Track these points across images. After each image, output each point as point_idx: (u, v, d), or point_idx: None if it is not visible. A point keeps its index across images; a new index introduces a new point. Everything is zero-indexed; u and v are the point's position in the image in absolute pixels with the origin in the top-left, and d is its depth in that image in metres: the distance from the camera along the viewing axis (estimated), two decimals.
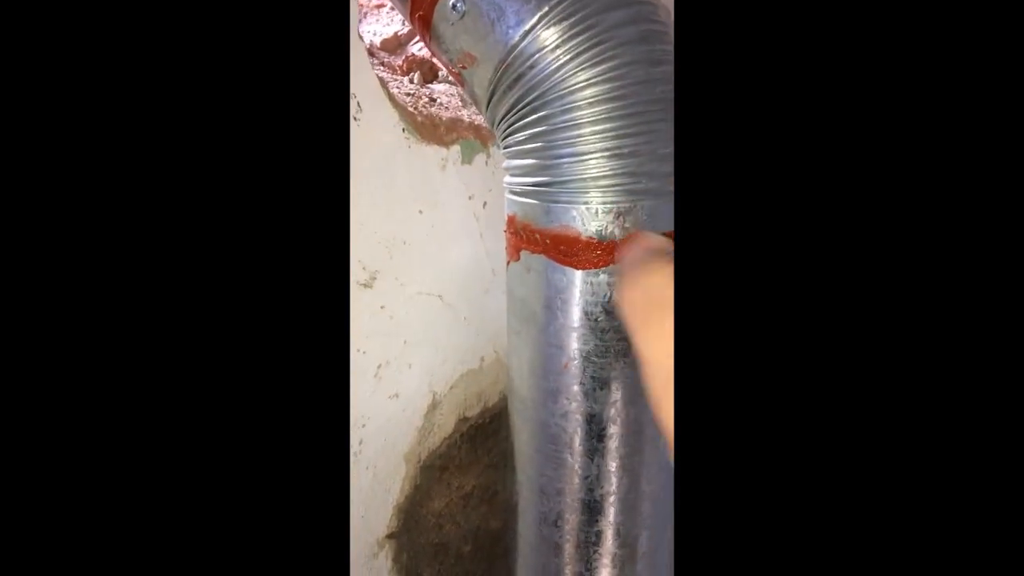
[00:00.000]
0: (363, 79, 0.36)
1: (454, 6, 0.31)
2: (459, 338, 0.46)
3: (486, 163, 0.44)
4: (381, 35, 0.55)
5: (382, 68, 0.50)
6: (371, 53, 0.52)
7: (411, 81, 0.46)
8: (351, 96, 0.35)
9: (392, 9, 0.54)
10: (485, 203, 0.45)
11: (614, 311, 0.32)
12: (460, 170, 0.43)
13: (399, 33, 0.54)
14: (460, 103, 0.46)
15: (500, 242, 0.37)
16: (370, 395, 0.41)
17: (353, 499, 0.42)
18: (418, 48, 0.51)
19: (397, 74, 0.50)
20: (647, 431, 0.35)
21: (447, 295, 0.44)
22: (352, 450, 0.41)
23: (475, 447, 0.50)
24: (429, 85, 0.47)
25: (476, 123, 0.45)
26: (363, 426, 0.41)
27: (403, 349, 0.42)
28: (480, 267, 0.46)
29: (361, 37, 0.39)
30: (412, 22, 0.34)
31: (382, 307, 0.40)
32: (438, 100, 0.44)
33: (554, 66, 0.30)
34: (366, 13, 0.58)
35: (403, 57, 0.50)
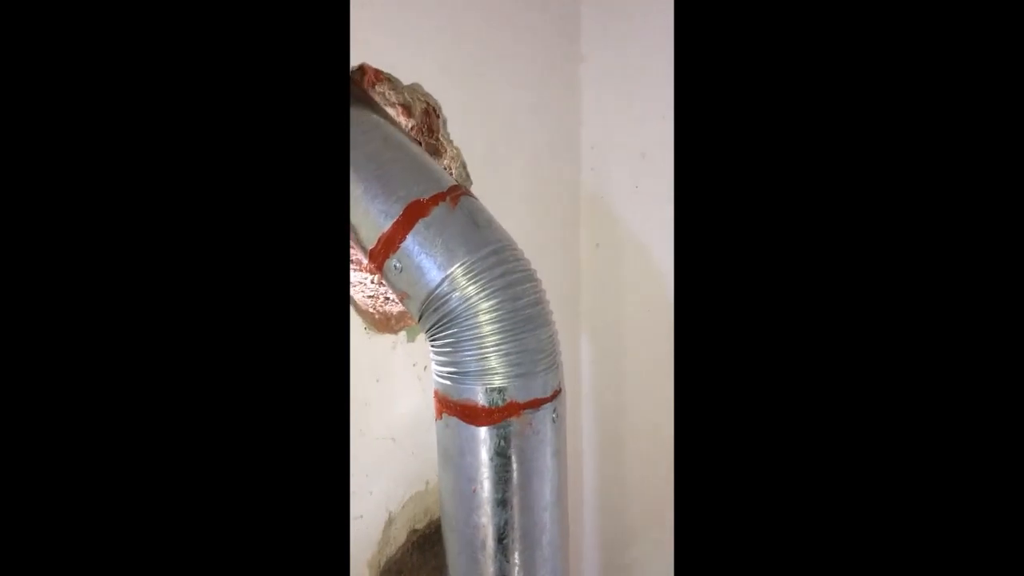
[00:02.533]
0: None
1: (394, 266, 0.50)
2: (408, 468, 0.62)
3: (425, 340, 0.63)
4: None
5: (352, 264, 0.69)
6: None
7: (372, 281, 0.65)
8: None
9: None
10: (425, 367, 0.63)
11: (503, 453, 0.49)
12: (406, 347, 0.61)
13: None
14: None
15: None
16: None
17: None
18: None
19: (363, 270, 0.69)
20: (534, 534, 0.51)
21: (398, 437, 0.61)
22: None
23: (424, 553, 0.64)
24: (383, 283, 0.66)
25: None
26: None
27: (364, 481, 0.57)
28: (422, 413, 0.63)
29: None
30: (370, 267, 0.53)
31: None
32: (391, 298, 0.63)
33: (460, 301, 0.48)
34: None
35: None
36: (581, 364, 0.83)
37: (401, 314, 0.61)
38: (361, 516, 0.57)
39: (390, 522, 0.61)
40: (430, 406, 0.64)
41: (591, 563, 0.86)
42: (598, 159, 0.80)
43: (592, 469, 0.85)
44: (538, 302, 0.51)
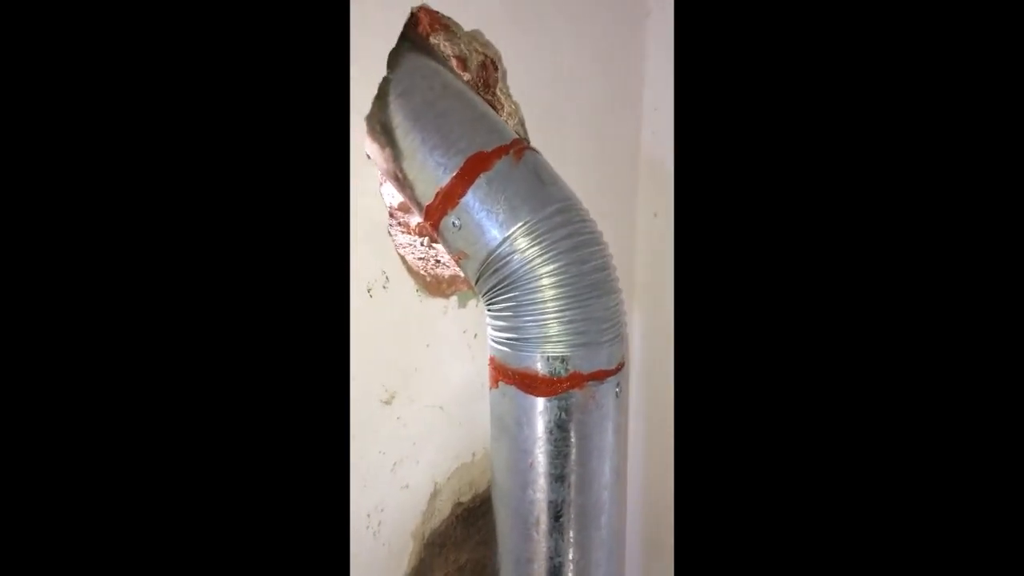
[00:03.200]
0: (391, 257, 0.52)
1: (452, 223, 0.47)
2: (456, 438, 0.60)
3: (476, 306, 0.59)
4: (397, 199, 0.72)
5: (399, 227, 0.66)
6: (391, 214, 0.68)
7: (422, 244, 0.62)
8: (382, 272, 0.50)
9: None
10: (476, 335, 0.60)
11: (563, 426, 0.46)
12: (457, 313, 0.58)
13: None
14: None
15: (487, 362, 0.50)
16: (387, 486, 0.53)
17: (371, 570, 0.53)
18: None
19: (411, 232, 0.66)
20: (591, 514, 0.48)
21: (447, 406, 0.58)
22: (371, 529, 0.53)
23: (468, 527, 0.62)
24: (434, 245, 0.63)
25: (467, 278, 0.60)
26: (381, 511, 0.53)
27: (412, 449, 0.55)
28: (472, 383, 0.60)
29: (383, 199, 0.55)
30: (425, 224, 0.50)
31: (398, 418, 0.54)
32: (442, 261, 0.60)
33: (521, 263, 0.45)
34: (383, 181, 0.75)
35: (415, 222, 0.66)
36: (633, 339, 0.80)
37: (452, 278, 0.58)
38: (407, 485, 0.55)
39: (435, 493, 0.59)
40: (480, 375, 0.61)
41: (632, 539, 0.84)
42: (661, 123, 0.75)
43: (638, 446, 0.82)
44: (605, 267, 0.47)
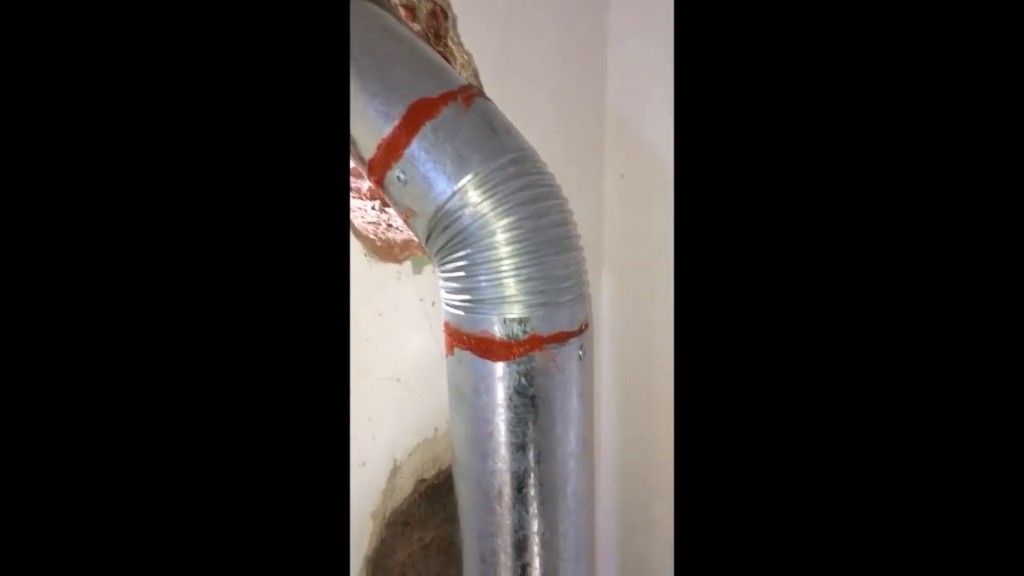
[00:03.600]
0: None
1: (397, 178, 0.43)
2: (416, 413, 0.56)
3: (433, 272, 0.56)
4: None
5: (352, 192, 0.62)
6: None
7: (373, 208, 0.58)
8: None
9: None
10: (433, 303, 0.56)
11: (523, 392, 0.43)
12: (412, 279, 0.54)
13: None
14: None
15: None
16: None
17: None
18: None
19: (363, 197, 0.62)
20: (557, 483, 0.45)
21: (404, 378, 0.55)
22: None
23: (432, 504, 0.59)
24: (387, 210, 0.59)
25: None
26: None
27: (367, 425, 0.52)
28: (431, 353, 0.57)
29: None
30: (370, 181, 0.46)
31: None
32: (394, 225, 0.56)
33: (473, 219, 0.42)
34: None
35: (366, 187, 0.62)
36: (602, 303, 0.77)
37: (406, 243, 0.55)
38: (364, 463, 0.52)
39: (396, 470, 0.56)
40: (439, 345, 0.58)
41: (608, 523, 0.82)
42: (626, 80, 0.72)
43: (611, 419, 0.79)
44: (564, 222, 0.44)
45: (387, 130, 0.42)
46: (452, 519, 0.61)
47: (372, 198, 0.61)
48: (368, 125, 0.43)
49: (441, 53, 0.57)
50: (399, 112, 0.42)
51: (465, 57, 0.57)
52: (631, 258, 0.74)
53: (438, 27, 0.58)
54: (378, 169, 0.43)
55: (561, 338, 0.43)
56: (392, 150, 0.42)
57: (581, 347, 0.45)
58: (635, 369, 0.77)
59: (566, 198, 0.46)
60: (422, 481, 0.58)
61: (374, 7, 0.46)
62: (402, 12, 0.55)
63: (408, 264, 0.54)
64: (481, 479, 0.45)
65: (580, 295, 0.45)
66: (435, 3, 0.57)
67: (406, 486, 0.57)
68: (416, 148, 0.41)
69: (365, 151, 0.44)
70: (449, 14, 0.56)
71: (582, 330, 0.45)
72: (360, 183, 0.66)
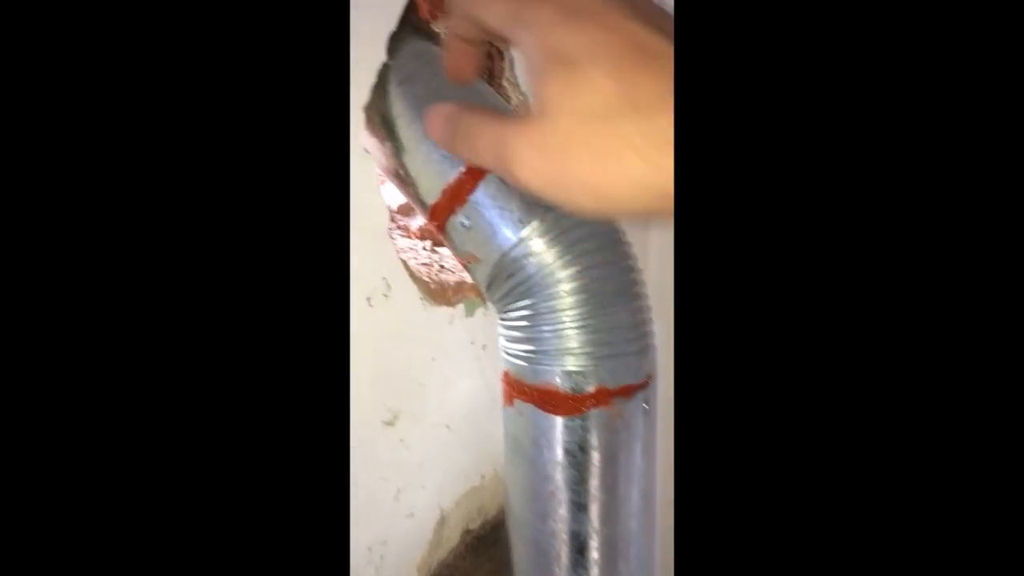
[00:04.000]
0: (392, 262, 0.47)
1: (460, 224, 0.42)
2: (464, 460, 0.54)
3: (484, 315, 0.55)
4: (397, 202, 0.67)
5: (398, 231, 0.61)
6: (391, 218, 0.63)
7: (424, 248, 0.57)
8: (383, 279, 0.46)
9: None
10: (484, 346, 0.55)
11: (586, 448, 0.41)
12: (464, 323, 0.53)
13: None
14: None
15: (498, 376, 0.45)
16: (390, 516, 0.48)
17: None
18: None
19: (412, 236, 0.62)
20: (619, 546, 0.43)
21: (454, 424, 0.53)
22: (373, 564, 0.48)
23: (477, 556, 0.57)
24: (437, 249, 0.58)
25: (476, 284, 0.55)
26: (384, 543, 0.48)
27: (417, 474, 0.50)
28: (481, 398, 0.55)
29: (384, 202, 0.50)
30: (430, 225, 0.45)
31: (401, 440, 0.49)
32: (447, 266, 0.55)
33: (537, 267, 0.40)
34: (384, 180, 0.71)
35: (416, 225, 0.61)
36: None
37: (459, 285, 0.54)
38: (412, 514, 0.50)
39: (443, 520, 0.53)
40: (489, 389, 0.56)
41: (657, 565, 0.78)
42: None
43: (663, 464, 0.76)
44: (630, 270, 0.42)
45: (452, 175, 0.41)
46: (497, 572, 0.58)
47: (422, 238, 0.60)
48: (433, 169, 0.42)
49: (497, 92, 0.57)
50: None
51: (520, 98, 0.56)
52: None
53: (493, 67, 0.58)
54: (441, 214, 0.42)
55: (627, 391, 0.41)
56: (457, 195, 0.41)
57: (646, 400, 0.43)
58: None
59: (631, 243, 0.44)
60: (468, 532, 0.56)
61: (438, 49, 0.46)
62: None
63: (461, 307, 0.53)
64: (540, 539, 0.43)
65: (646, 346, 0.43)
66: (491, 44, 0.57)
67: (452, 537, 0.55)
68: (482, 194, 0.41)
69: (428, 195, 0.43)
70: (506, 55, 0.56)
71: (647, 382, 0.43)
72: (409, 221, 0.65)
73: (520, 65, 0.56)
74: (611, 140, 0.23)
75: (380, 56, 0.42)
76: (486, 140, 0.28)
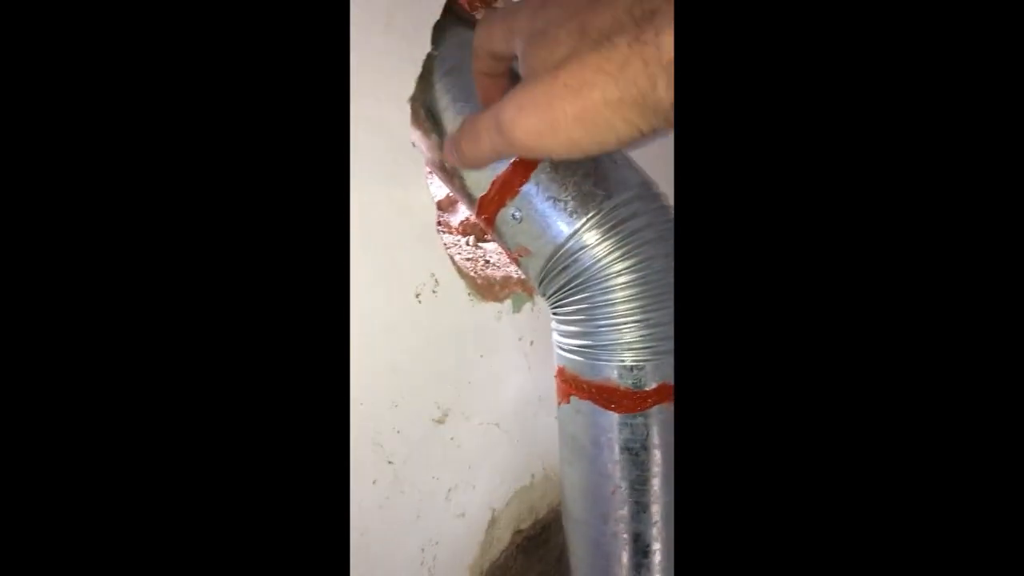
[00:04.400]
0: (439, 257, 0.46)
1: (512, 216, 0.40)
2: (513, 459, 0.53)
3: (531, 310, 0.53)
4: (437, 196, 0.66)
5: (439, 227, 0.60)
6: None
7: (467, 244, 0.56)
8: (431, 275, 0.45)
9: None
10: (532, 342, 0.53)
11: (648, 447, 0.39)
12: (512, 318, 0.52)
13: (451, 195, 0.66)
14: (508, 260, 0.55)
15: (546, 372, 0.44)
16: (442, 516, 0.47)
17: None
18: None
19: (454, 232, 0.61)
20: None
21: (503, 422, 0.52)
22: (426, 565, 0.47)
23: (528, 556, 0.56)
24: (481, 244, 0.57)
25: (523, 278, 0.54)
26: (436, 543, 0.47)
27: (468, 473, 0.49)
28: (528, 395, 0.54)
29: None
30: (478, 219, 0.44)
31: (451, 439, 0.48)
32: (491, 261, 0.54)
33: (593, 260, 0.39)
34: (430, 173, 0.70)
35: (459, 219, 0.60)
36: None
37: (505, 279, 0.52)
38: (463, 514, 0.49)
39: (494, 521, 0.52)
40: (537, 387, 0.55)
41: None
42: None
43: None
44: None
45: (502, 166, 0.40)
46: (547, 573, 0.57)
47: (464, 233, 0.59)
48: None
49: None
50: None
51: None
52: None
53: None
54: (490, 206, 0.41)
55: None
56: (508, 187, 0.40)
57: None
58: None
59: None
60: (519, 532, 0.55)
61: None
62: None
63: (508, 303, 0.51)
64: (601, 540, 0.41)
65: None
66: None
67: (504, 537, 0.53)
68: (533, 185, 0.39)
69: (476, 188, 0.42)
70: None
71: None
72: (450, 216, 0.64)
73: None
74: (581, 72, 0.26)
75: (424, 47, 0.41)
76: (484, 124, 0.31)
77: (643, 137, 0.27)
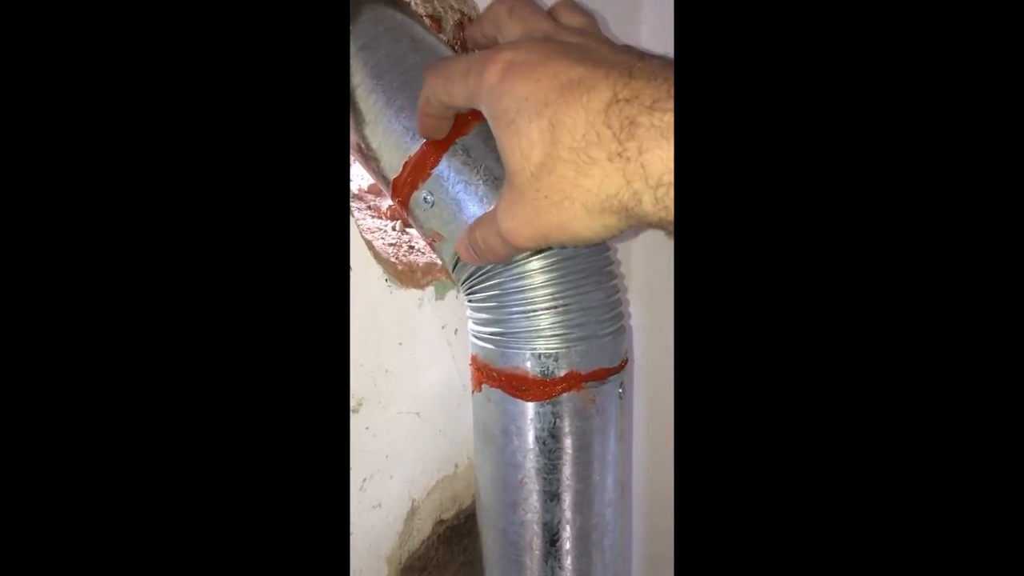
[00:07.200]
0: (353, 242, 0.44)
1: (424, 199, 0.39)
2: (435, 449, 0.52)
3: (456, 297, 0.52)
4: (368, 181, 0.64)
5: (369, 211, 0.59)
6: (359, 197, 0.61)
7: (394, 229, 0.55)
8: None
9: None
10: (456, 330, 0.53)
11: (558, 435, 0.39)
12: (434, 305, 0.51)
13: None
14: None
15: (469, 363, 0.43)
16: (355, 507, 0.46)
17: None
18: None
19: (383, 216, 0.59)
20: (592, 536, 0.41)
21: (424, 412, 0.51)
22: None
23: (451, 547, 0.55)
24: (408, 231, 0.56)
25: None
26: (350, 534, 0.46)
27: (384, 463, 0.48)
28: (453, 385, 0.53)
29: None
30: (393, 202, 0.43)
31: (367, 428, 0.46)
32: (416, 247, 0.52)
33: None
34: (354, 161, 0.68)
35: (387, 205, 0.59)
36: (633, 333, 0.73)
37: (428, 266, 0.51)
38: (380, 504, 0.48)
39: (413, 511, 0.51)
40: (462, 376, 0.54)
41: (638, 567, 0.77)
42: None
43: (641, 452, 0.75)
44: (604, 248, 0.40)
45: (414, 147, 0.39)
46: (471, 563, 0.57)
47: (393, 218, 0.58)
48: (394, 141, 0.39)
49: None
50: None
51: None
52: (663, 283, 0.70)
53: (464, 38, 0.55)
54: (403, 189, 0.40)
55: (601, 375, 0.40)
56: (420, 169, 0.39)
57: (621, 385, 0.41)
58: (663, 400, 0.73)
59: None
60: (441, 522, 0.54)
61: (401, 16, 0.43)
62: (428, 22, 0.53)
63: (431, 290, 0.50)
64: (509, 529, 0.41)
65: (620, 328, 0.41)
66: (463, 13, 0.54)
67: (424, 528, 0.53)
68: (446, 167, 0.38)
69: (389, 170, 0.40)
70: None
71: (622, 366, 0.41)
72: (380, 201, 0.63)
73: None
74: (560, 186, 0.26)
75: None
76: (484, 229, 0.33)
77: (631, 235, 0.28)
